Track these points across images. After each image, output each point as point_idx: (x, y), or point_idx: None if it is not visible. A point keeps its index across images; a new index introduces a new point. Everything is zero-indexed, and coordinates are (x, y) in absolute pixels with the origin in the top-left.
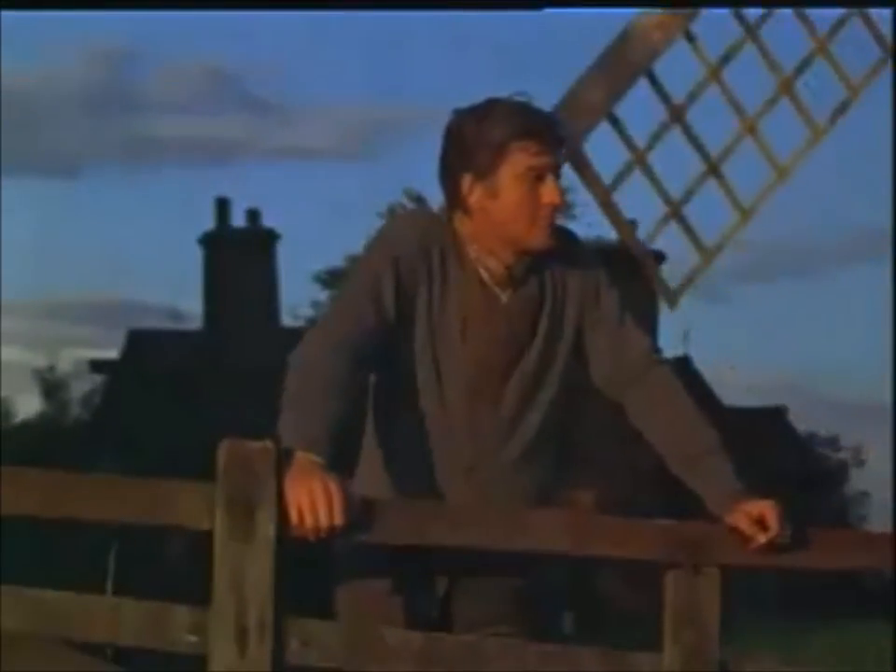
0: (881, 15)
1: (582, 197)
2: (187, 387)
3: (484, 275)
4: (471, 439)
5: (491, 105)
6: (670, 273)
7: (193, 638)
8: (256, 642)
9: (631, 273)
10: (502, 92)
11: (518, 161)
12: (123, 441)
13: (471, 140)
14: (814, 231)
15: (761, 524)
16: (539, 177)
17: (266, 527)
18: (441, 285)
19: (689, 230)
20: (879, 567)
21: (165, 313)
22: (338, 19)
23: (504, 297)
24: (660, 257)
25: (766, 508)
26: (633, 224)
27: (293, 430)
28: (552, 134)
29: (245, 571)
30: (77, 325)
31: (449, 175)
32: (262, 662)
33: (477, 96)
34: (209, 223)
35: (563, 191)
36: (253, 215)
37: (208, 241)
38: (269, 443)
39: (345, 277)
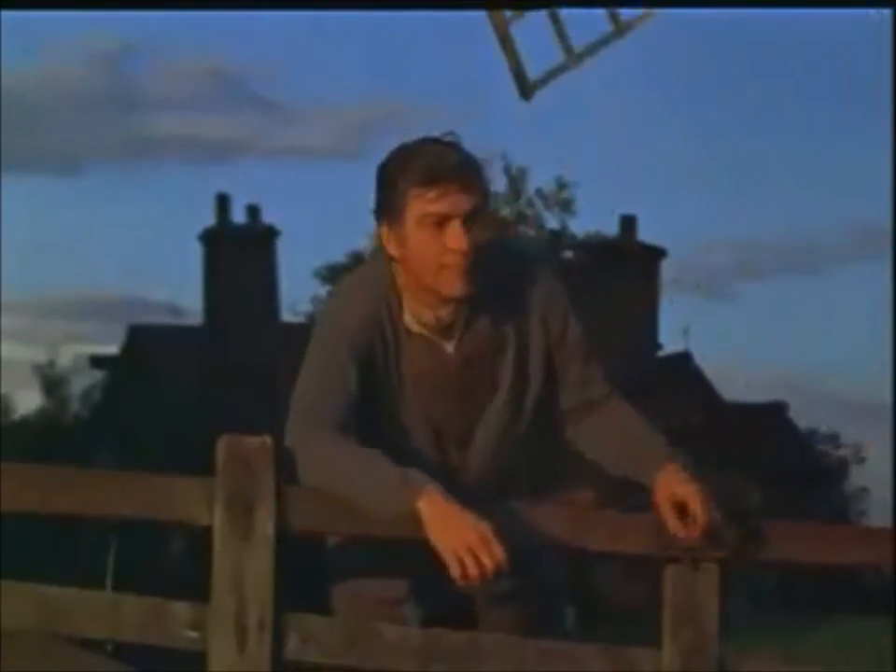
0: None
1: (583, 191)
2: (187, 383)
3: (422, 329)
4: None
5: (401, 150)
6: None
7: (193, 634)
8: (255, 638)
9: (630, 268)
10: (502, 91)
11: (416, 207)
12: (123, 438)
13: (384, 186)
14: (814, 229)
15: (683, 512)
16: (441, 223)
17: (265, 524)
18: (395, 348)
19: None
20: (877, 563)
21: (165, 309)
22: (339, 18)
23: (449, 347)
24: (660, 252)
25: (690, 494)
26: (632, 219)
27: (384, 482)
28: (457, 179)
29: (245, 568)
30: (78, 321)
31: (376, 222)
32: (262, 658)
33: (476, 96)
34: (209, 219)
35: (483, 235)
36: (253, 211)
37: (208, 237)
38: (267, 439)
39: (304, 366)
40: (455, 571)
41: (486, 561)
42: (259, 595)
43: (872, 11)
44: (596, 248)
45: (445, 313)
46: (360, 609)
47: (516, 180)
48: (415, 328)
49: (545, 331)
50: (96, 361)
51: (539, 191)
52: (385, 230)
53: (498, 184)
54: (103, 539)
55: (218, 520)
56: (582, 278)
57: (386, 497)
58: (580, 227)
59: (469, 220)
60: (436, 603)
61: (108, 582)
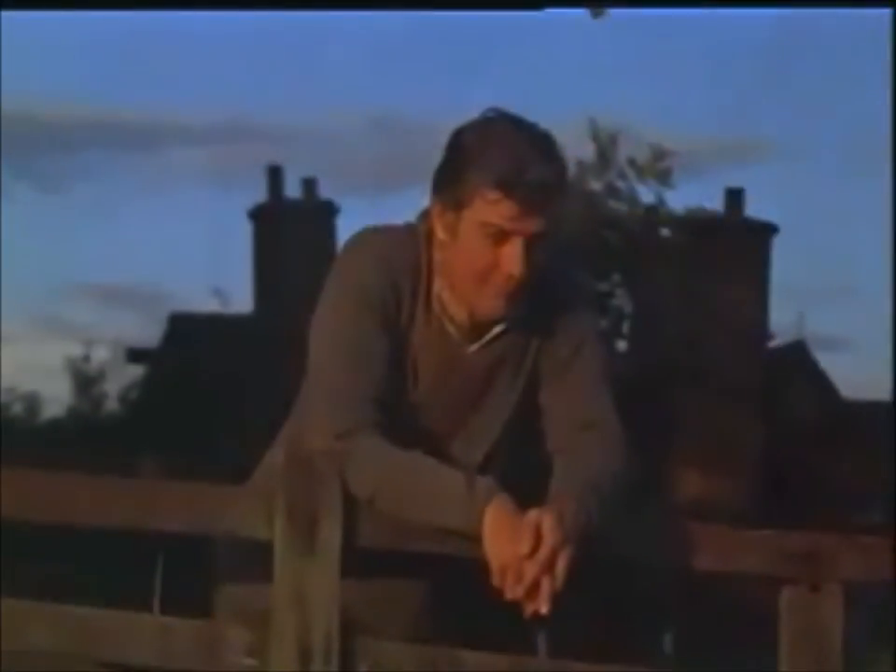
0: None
1: (682, 161)
2: (236, 378)
3: (448, 322)
4: None
5: (487, 127)
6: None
7: (251, 661)
8: (320, 665)
9: (737, 246)
10: (597, 45)
11: (480, 209)
12: (166, 441)
13: (452, 162)
14: None
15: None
16: (502, 238)
17: (332, 538)
18: (408, 322)
19: None
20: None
21: (210, 296)
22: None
23: (469, 348)
24: (771, 228)
25: (542, 515)
26: (738, 192)
27: (446, 489)
28: (535, 197)
29: (308, 586)
30: (114, 309)
31: (432, 188)
32: None
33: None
34: (258, 194)
35: (537, 261)
36: (309, 185)
37: (259, 214)
38: (333, 442)
39: (319, 340)
40: (495, 579)
41: (546, 589)
42: (324, 616)
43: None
44: (698, 225)
45: (485, 317)
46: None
47: (606, 147)
48: (443, 317)
49: (555, 350)
50: (135, 355)
51: (631, 161)
52: (438, 206)
53: (585, 151)
54: (149, 555)
55: (279, 533)
56: (682, 260)
57: (450, 506)
58: (679, 201)
59: (534, 243)
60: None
61: (155, 604)
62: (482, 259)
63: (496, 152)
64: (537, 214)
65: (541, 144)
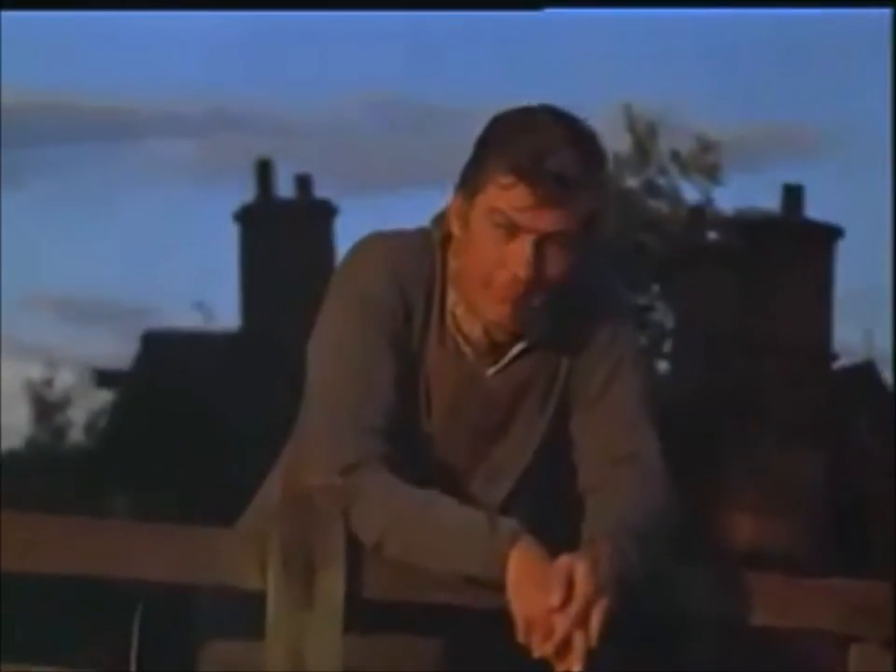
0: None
1: (731, 159)
2: (221, 404)
3: (462, 341)
4: None
5: (523, 113)
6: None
7: None
8: None
9: (796, 252)
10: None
11: (491, 193)
12: (140, 476)
13: (479, 145)
14: None
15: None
16: (513, 232)
17: (333, 588)
18: (420, 342)
19: None
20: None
21: (190, 310)
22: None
23: (488, 371)
24: (835, 231)
25: (574, 561)
26: (797, 189)
27: (466, 531)
28: (553, 187)
29: (306, 643)
30: (80, 326)
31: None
32: None
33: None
34: (246, 193)
35: (560, 265)
36: (303, 182)
37: (247, 215)
38: (336, 480)
39: (320, 360)
40: (519, 634)
41: (577, 640)
42: None
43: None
44: (751, 228)
45: (497, 331)
46: None
47: (644, 139)
48: (456, 335)
49: (585, 382)
50: (104, 378)
51: (674, 154)
52: (458, 199)
53: (621, 143)
54: (125, 607)
55: (273, 582)
56: (732, 267)
57: (469, 551)
58: (728, 200)
59: (550, 244)
60: None
61: (132, 661)
62: (488, 255)
63: (521, 137)
64: (554, 209)
65: (576, 136)
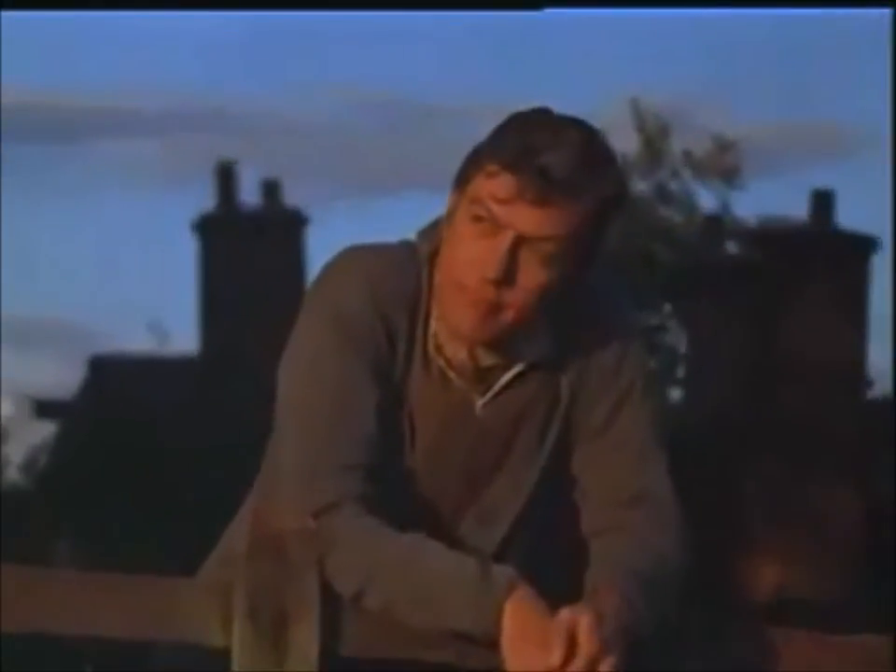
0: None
1: (752, 161)
2: (177, 437)
3: (447, 367)
4: None
5: (534, 113)
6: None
7: None
8: None
9: (826, 265)
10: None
11: (477, 183)
12: (86, 519)
13: (478, 146)
14: None
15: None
16: (492, 230)
17: (306, 643)
18: (403, 369)
19: None
20: None
21: (143, 331)
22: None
23: (479, 401)
24: (870, 242)
25: (577, 615)
26: (827, 195)
27: (456, 580)
28: (543, 184)
29: None
30: (19, 350)
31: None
32: None
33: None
34: (207, 200)
35: (556, 269)
36: (270, 188)
37: (207, 225)
38: (309, 523)
39: (291, 386)
40: None
41: None
42: None
43: None
44: (774, 238)
45: (483, 352)
46: None
47: (655, 138)
48: (439, 360)
49: (588, 413)
50: (45, 409)
51: (688, 155)
52: (452, 193)
53: (629, 143)
54: (72, 666)
55: (239, 638)
56: (754, 283)
57: (459, 602)
58: (749, 206)
59: (529, 250)
60: None
61: None
62: (464, 252)
63: (521, 131)
64: (535, 208)
65: (580, 141)
